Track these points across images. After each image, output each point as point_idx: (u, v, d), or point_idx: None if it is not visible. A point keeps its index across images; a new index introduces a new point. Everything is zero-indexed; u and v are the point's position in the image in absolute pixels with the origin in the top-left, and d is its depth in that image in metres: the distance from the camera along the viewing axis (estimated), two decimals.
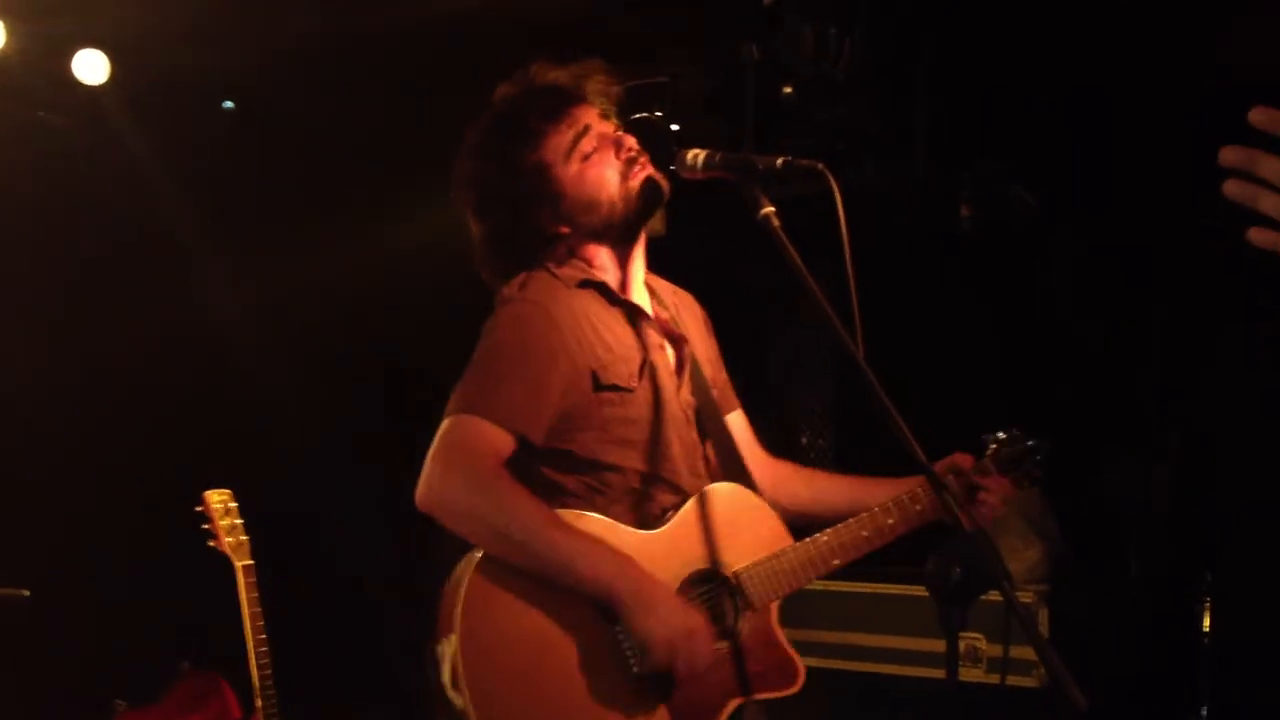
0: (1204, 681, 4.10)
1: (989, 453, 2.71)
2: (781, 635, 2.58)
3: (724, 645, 2.52)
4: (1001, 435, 2.73)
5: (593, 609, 2.43)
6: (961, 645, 3.90)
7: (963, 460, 2.71)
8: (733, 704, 2.51)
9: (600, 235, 2.65)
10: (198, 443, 5.05)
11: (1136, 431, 4.39)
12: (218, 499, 4.07)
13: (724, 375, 2.88)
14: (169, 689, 4.57)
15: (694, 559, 2.54)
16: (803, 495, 2.81)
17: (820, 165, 2.33)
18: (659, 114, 4.02)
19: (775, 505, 2.70)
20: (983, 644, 3.94)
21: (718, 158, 2.48)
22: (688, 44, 4.21)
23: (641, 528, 2.54)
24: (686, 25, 4.21)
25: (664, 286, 2.83)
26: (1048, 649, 2.00)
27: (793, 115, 3.89)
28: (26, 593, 4.16)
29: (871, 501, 2.64)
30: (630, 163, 2.64)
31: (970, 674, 3.93)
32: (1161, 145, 4.10)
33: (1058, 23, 3.91)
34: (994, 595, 2.10)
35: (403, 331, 5.23)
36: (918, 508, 2.62)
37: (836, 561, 2.60)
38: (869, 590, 4.20)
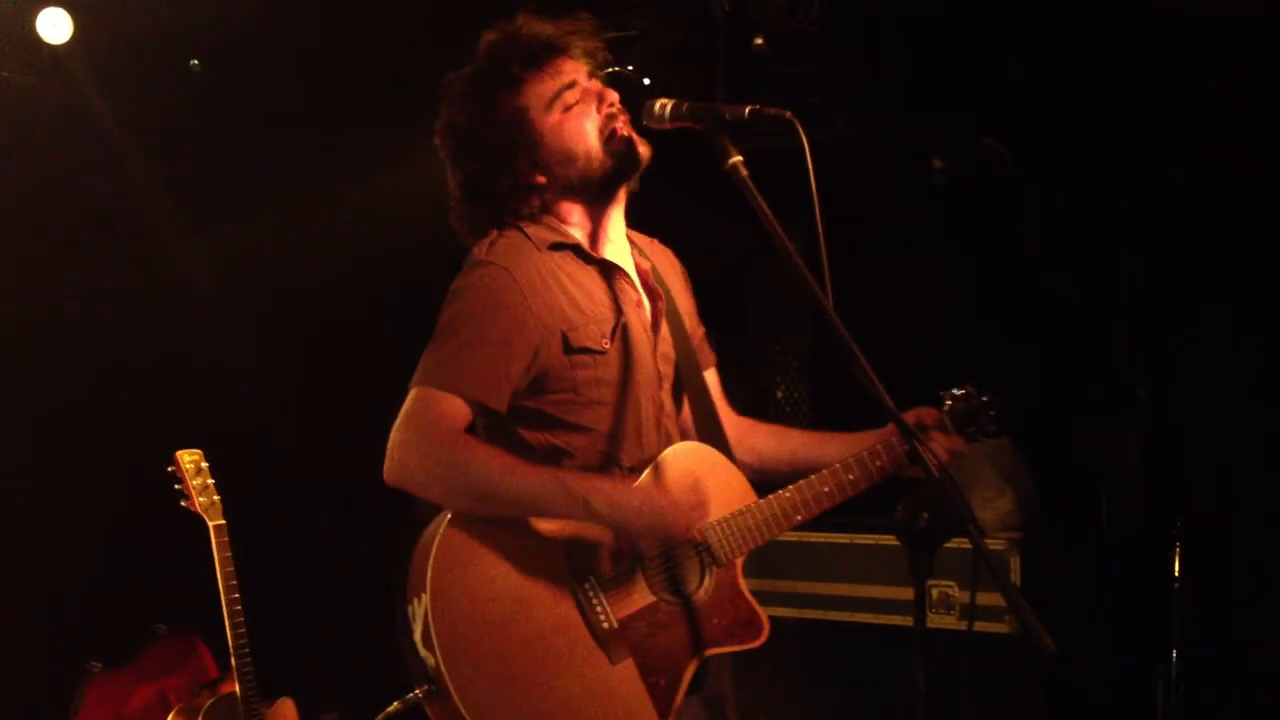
0: (1174, 630, 4.14)
1: (944, 409, 2.76)
2: (746, 590, 2.61)
3: (692, 599, 2.54)
4: (957, 392, 2.77)
5: (562, 567, 2.45)
6: (934, 593, 3.95)
7: (926, 415, 2.75)
8: (696, 660, 2.53)
9: (576, 190, 2.64)
10: (169, 404, 5.02)
11: (1108, 384, 4.41)
12: (189, 459, 4.06)
13: (701, 329, 2.89)
14: (144, 650, 4.58)
15: None
16: (767, 451, 2.84)
17: (788, 114, 2.33)
18: (630, 69, 4.00)
19: (741, 462, 2.74)
20: (954, 591, 3.98)
21: (685, 107, 2.48)
22: None
23: None
24: None
25: (643, 240, 2.83)
26: (1014, 592, 2.03)
27: (764, 69, 3.88)
28: None
29: (834, 457, 2.69)
30: (610, 118, 2.62)
31: (942, 621, 3.97)
32: (1132, 98, 4.11)
33: None
34: (966, 542, 2.12)
35: (372, 294, 5.21)
36: (878, 464, 2.67)
37: (799, 516, 2.65)
38: (840, 540, 4.23)
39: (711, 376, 2.89)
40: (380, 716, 2.48)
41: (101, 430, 4.97)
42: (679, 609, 2.53)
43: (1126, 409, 4.36)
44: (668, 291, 2.75)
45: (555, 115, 2.61)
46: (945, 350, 4.43)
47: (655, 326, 2.70)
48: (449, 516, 2.42)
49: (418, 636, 2.38)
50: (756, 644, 2.59)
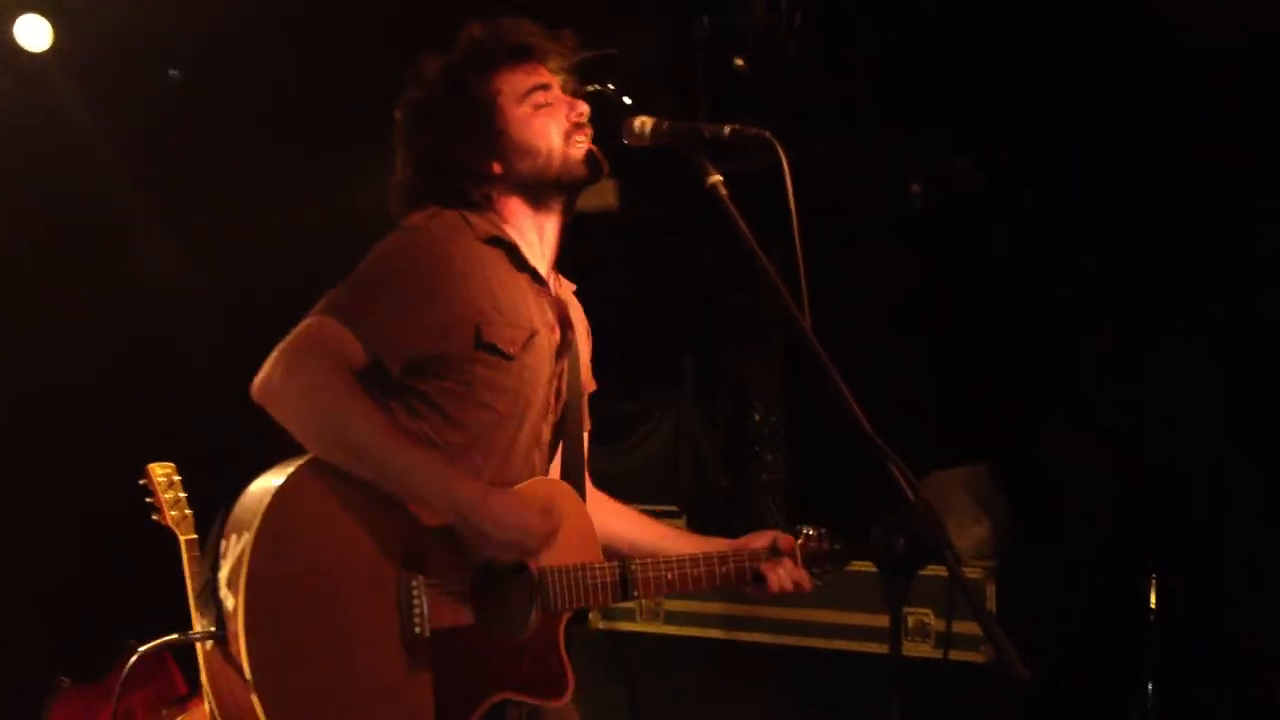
0: (1149, 659, 4.14)
1: (799, 542, 2.79)
2: (563, 646, 2.53)
3: (517, 637, 2.46)
4: (810, 532, 2.80)
5: (398, 554, 2.35)
6: (910, 620, 3.93)
7: (783, 541, 2.78)
8: (494, 697, 2.43)
9: (526, 189, 2.60)
10: (141, 416, 4.98)
11: (1083, 410, 4.42)
12: (161, 472, 4.02)
13: (592, 387, 2.84)
14: (114, 667, 4.53)
15: None
16: (613, 530, 2.76)
17: (767, 133, 2.32)
18: (612, 87, 3.99)
19: None
20: (930, 619, 3.97)
21: (665, 126, 2.47)
22: (639, 15, 4.18)
23: None
24: None
25: (565, 281, 2.78)
26: (989, 618, 2.02)
27: (744, 90, 3.88)
28: None
29: (677, 551, 2.70)
30: (578, 126, 2.60)
31: (918, 649, 3.96)
32: (1109, 118, 4.13)
33: None
34: (942, 570, 2.10)
35: None
36: (725, 569, 2.70)
37: (636, 593, 2.63)
38: None
39: (584, 438, 2.83)
40: (153, 644, 2.39)
41: (72, 442, 4.93)
42: (492, 641, 2.43)
43: (1101, 434, 4.36)
44: (573, 332, 2.71)
45: (525, 109, 2.58)
46: (921, 371, 4.43)
47: (560, 356, 2.65)
48: (304, 463, 2.31)
49: (224, 574, 2.24)
50: (556, 704, 2.50)
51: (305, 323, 2.38)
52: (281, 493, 2.27)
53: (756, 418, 4.79)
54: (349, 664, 2.28)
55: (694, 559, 2.67)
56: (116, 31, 4.65)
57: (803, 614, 4.20)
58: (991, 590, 3.95)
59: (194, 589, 3.92)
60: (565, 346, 2.66)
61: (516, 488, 2.50)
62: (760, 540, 2.77)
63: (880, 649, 3.96)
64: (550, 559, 2.49)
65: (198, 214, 5.12)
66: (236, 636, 2.20)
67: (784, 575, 2.74)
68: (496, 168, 2.58)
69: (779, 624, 4.16)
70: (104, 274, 5.05)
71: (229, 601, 2.22)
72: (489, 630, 2.43)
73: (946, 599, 3.73)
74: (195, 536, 3.98)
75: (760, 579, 2.74)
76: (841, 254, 4.23)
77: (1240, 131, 4.00)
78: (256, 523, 2.23)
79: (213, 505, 4.06)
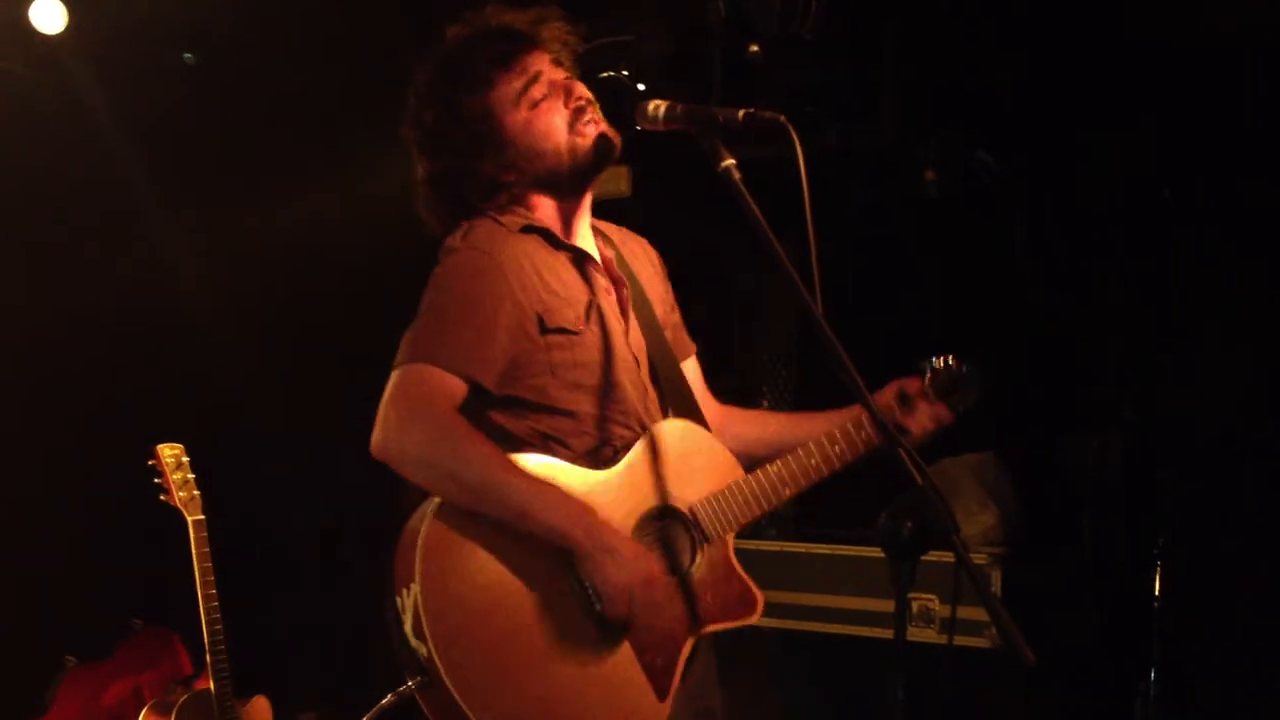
0: (1154, 648, 4.14)
1: (926, 378, 2.77)
2: (739, 566, 2.61)
3: (687, 576, 2.54)
4: (937, 361, 2.78)
5: (552, 553, 2.43)
6: (915, 606, 3.94)
7: (909, 384, 2.76)
8: (693, 638, 2.53)
9: (545, 184, 2.63)
10: (150, 397, 5.00)
11: (1093, 401, 4.42)
12: (170, 453, 4.04)
13: (677, 317, 2.88)
14: (120, 645, 4.55)
15: (648, 496, 2.56)
16: (748, 436, 2.82)
17: (782, 118, 2.33)
18: (624, 73, 4.00)
19: None
20: (935, 605, 3.97)
21: (679, 109, 2.47)
22: (654, 2, 4.17)
23: (595, 469, 2.54)
24: None
25: (612, 229, 2.82)
26: (995, 602, 2.03)
27: (759, 77, 3.87)
28: None
29: (815, 435, 2.68)
30: (579, 112, 2.61)
31: (923, 634, 3.97)
32: (1126, 115, 4.12)
33: None
34: (948, 556, 2.11)
35: (362, 288, 5.19)
36: (863, 434, 2.65)
37: (788, 491, 2.65)
38: (821, 551, 4.22)
39: (691, 365, 2.88)
40: (373, 711, 2.45)
41: (82, 422, 4.94)
42: (672, 587, 2.52)
43: (1112, 427, 4.36)
44: (634, 279, 2.74)
45: (523, 112, 2.60)
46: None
47: (624, 313, 2.69)
48: (436, 503, 2.39)
49: (408, 627, 2.34)
50: (752, 619, 2.59)
51: (397, 374, 2.44)
52: (429, 535, 2.37)
53: (765, 404, 4.80)
54: (550, 664, 2.39)
55: (831, 436, 2.65)
56: (131, 15, 4.65)
57: (806, 598, 4.21)
58: (997, 577, 3.95)
59: (201, 570, 3.94)
60: (625, 303, 2.69)
61: (631, 453, 2.54)
62: (884, 396, 2.73)
63: (885, 634, 3.97)
64: (693, 494, 2.56)
65: (210, 199, 5.12)
66: (443, 682, 2.30)
67: (923, 418, 2.72)
68: (512, 176, 2.62)
69: (782, 608, 4.17)
70: (116, 257, 5.06)
71: (422, 650, 2.33)
72: (664, 581, 2.50)
73: (953, 585, 3.73)
74: (203, 517, 4.00)
75: (903, 431, 2.69)
76: (855, 241, 4.24)
77: (1261, 131, 4.00)
78: (417, 570, 2.34)
79: (221, 486, 4.12)
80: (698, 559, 2.56)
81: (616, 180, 4.13)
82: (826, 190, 2.38)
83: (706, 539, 2.56)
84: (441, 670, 2.30)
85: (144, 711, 4.12)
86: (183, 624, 4.27)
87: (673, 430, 2.63)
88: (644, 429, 2.60)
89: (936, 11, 4.07)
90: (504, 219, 2.59)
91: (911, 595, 3.88)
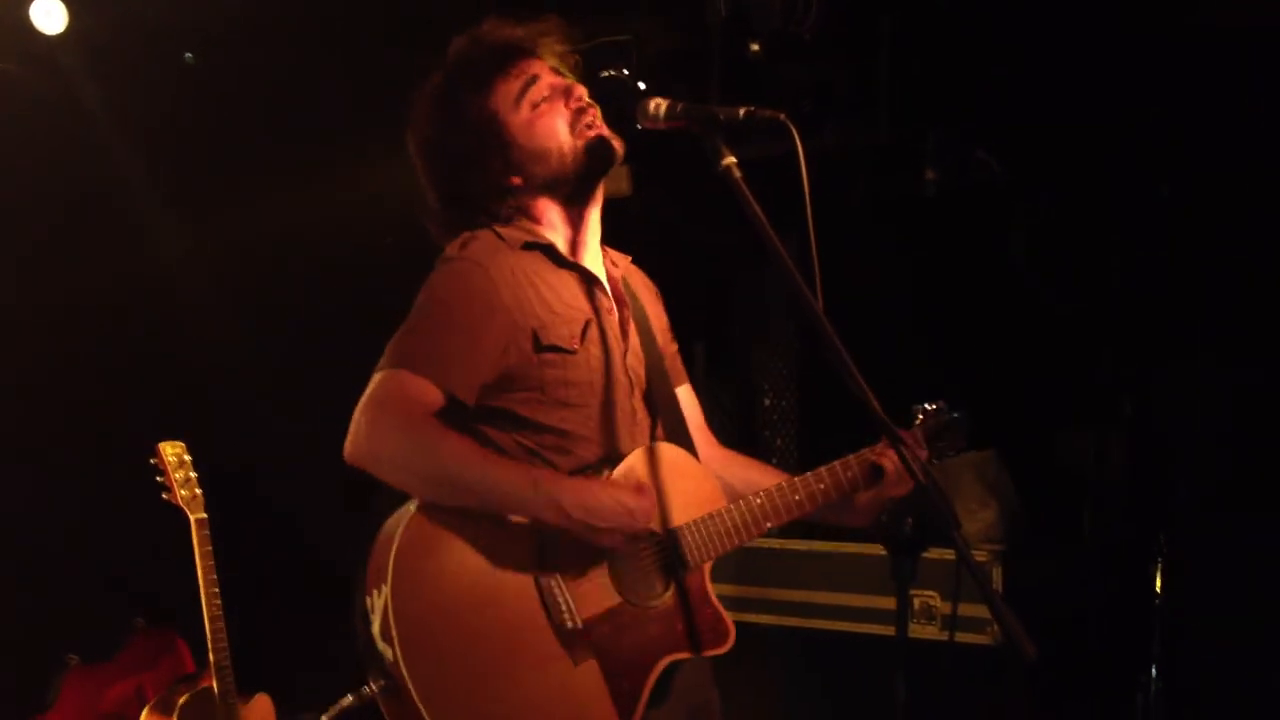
0: (1154, 644, 4.15)
1: (917, 423, 2.77)
2: (714, 595, 2.58)
3: (660, 602, 2.52)
4: (929, 406, 2.79)
5: (528, 562, 2.42)
6: (916, 603, 3.95)
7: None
8: (665, 660, 2.50)
9: (551, 189, 2.63)
10: (152, 395, 5.00)
11: (1093, 398, 4.42)
12: (172, 451, 4.05)
13: (674, 347, 2.88)
14: (123, 645, 4.56)
15: None
16: (736, 483, 2.78)
17: (782, 116, 2.33)
18: (625, 72, 4.00)
19: None
20: (936, 601, 3.98)
21: (679, 108, 2.47)
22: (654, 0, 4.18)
23: None
24: None
25: (617, 255, 2.81)
26: (996, 597, 2.03)
27: (759, 75, 3.88)
28: None
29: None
30: (579, 113, 2.62)
31: (924, 631, 3.97)
32: (1125, 112, 4.13)
33: None
34: (949, 553, 2.11)
35: (361, 287, 5.20)
36: (849, 474, 2.66)
37: (769, 523, 2.63)
38: (823, 549, 4.23)
39: (687, 394, 2.87)
40: (332, 710, 2.45)
41: (83, 421, 4.95)
42: (644, 611, 2.50)
43: (1111, 423, 4.37)
44: (636, 301, 2.74)
45: (524, 114, 2.60)
46: (932, 360, 4.43)
47: (624, 334, 2.68)
48: (414, 505, 2.38)
49: (376, 629, 2.33)
50: (721, 650, 2.55)
51: (376, 379, 2.43)
52: (405, 538, 2.34)
53: (766, 403, 4.80)
54: (516, 678, 2.37)
55: (817, 474, 2.65)
56: (131, 14, 4.66)
57: (808, 595, 4.22)
58: (998, 574, 3.96)
59: (203, 568, 3.95)
60: (626, 324, 2.69)
61: (617, 470, 2.54)
62: (870, 451, 2.70)
63: (886, 631, 3.98)
64: (676, 517, 2.55)
65: (210, 196, 5.13)
66: (407, 687, 2.28)
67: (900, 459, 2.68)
68: (516, 180, 2.62)
69: (784, 605, 4.18)
70: (116, 255, 5.07)
71: (388, 653, 2.31)
72: (637, 603, 2.49)
73: (954, 581, 3.74)
74: (205, 516, 4.00)
75: (878, 471, 2.66)
76: (855, 239, 4.24)
77: (1259, 127, 4.01)
78: (390, 572, 2.32)
79: (222, 484, 4.13)
80: (672, 585, 2.54)
81: (617, 180, 4.13)
82: (824, 188, 2.38)
83: (684, 565, 2.54)
84: (405, 676, 2.28)
85: (146, 710, 4.12)
86: (185, 623, 4.28)
87: (662, 452, 2.61)
88: (624, 454, 2.58)
89: (932, 8, 4.07)
90: (506, 232, 2.59)
91: (913, 592, 3.89)
